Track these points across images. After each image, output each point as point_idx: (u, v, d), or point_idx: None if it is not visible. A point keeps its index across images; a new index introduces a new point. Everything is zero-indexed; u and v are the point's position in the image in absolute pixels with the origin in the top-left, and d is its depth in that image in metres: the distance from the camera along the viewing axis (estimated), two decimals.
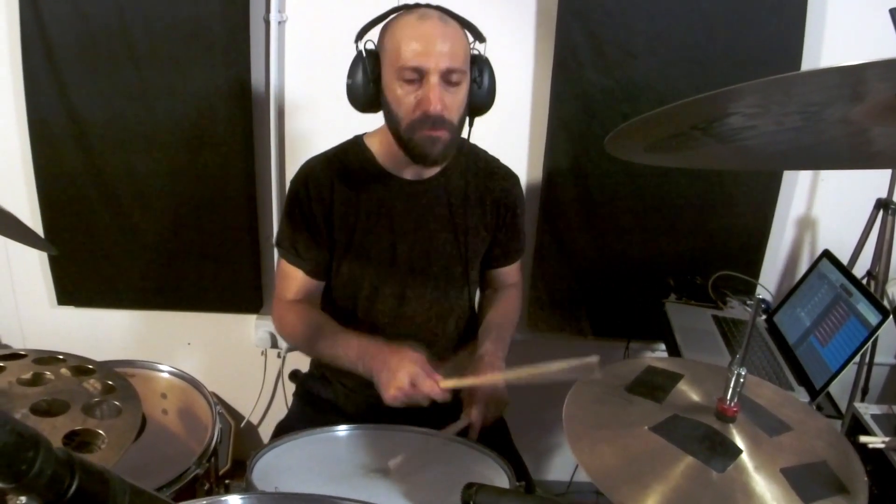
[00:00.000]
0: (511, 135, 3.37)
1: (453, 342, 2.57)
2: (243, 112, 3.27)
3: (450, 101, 2.16)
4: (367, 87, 2.23)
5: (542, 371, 1.98)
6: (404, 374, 2.06)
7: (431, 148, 2.20)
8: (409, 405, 2.09)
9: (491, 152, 2.60)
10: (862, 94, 1.12)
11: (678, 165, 1.84)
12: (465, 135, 2.37)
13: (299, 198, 2.42)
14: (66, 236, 3.44)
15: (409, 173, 2.42)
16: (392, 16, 2.21)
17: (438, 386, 2.07)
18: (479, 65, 2.25)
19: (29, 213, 3.41)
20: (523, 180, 2.64)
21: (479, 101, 2.28)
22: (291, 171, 2.48)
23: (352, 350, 2.27)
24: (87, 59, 3.14)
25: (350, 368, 2.26)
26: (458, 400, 2.26)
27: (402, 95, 2.17)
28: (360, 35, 2.23)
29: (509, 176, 2.58)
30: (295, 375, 2.81)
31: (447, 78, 2.12)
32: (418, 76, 2.12)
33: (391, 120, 2.25)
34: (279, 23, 3.21)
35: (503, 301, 2.66)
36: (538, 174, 3.37)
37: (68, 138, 3.26)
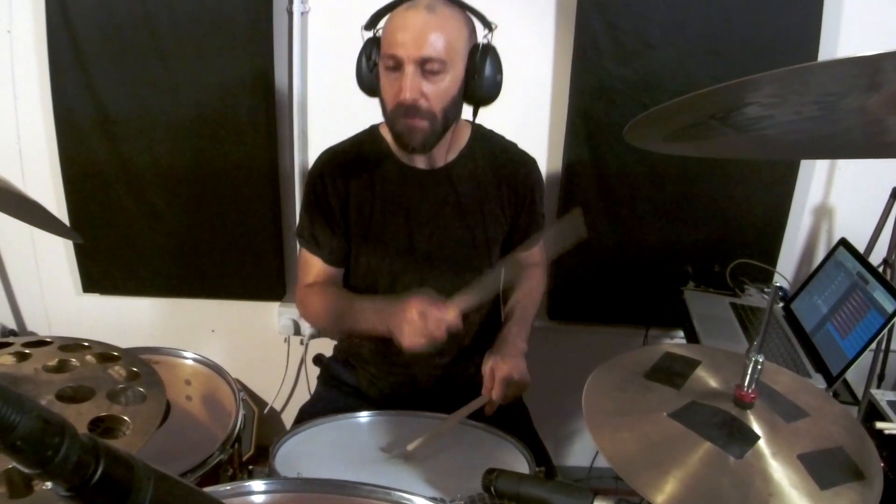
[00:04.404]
0: (531, 125, 3.37)
1: (476, 329, 2.57)
2: (266, 102, 3.29)
3: (429, 91, 2.17)
4: (368, 73, 2.29)
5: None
6: (412, 309, 2.08)
7: (410, 137, 2.24)
8: (430, 345, 2.09)
9: (510, 140, 2.60)
10: (878, 84, 1.13)
11: (696, 155, 1.84)
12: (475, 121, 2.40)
13: (316, 189, 2.45)
14: (92, 225, 3.47)
15: (422, 162, 2.43)
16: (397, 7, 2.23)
17: (448, 311, 2.09)
18: (478, 55, 2.24)
19: (55, 202, 3.45)
20: (543, 170, 2.63)
21: (479, 92, 2.27)
22: (313, 160, 2.50)
23: (368, 312, 2.31)
24: (111, 50, 3.17)
25: (373, 331, 2.29)
26: (477, 380, 2.27)
27: (385, 84, 2.23)
28: (370, 23, 2.27)
29: (525, 160, 2.57)
30: (319, 360, 2.82)
31: (424, 67, 2.14)
32: (397, 65, 2.15)
33: (382, 107, 2.30)
34: (302, 14, 3.22)
35: (527, 281, 2.66)
36: (558, 164, 3.38)
37: (93, 129, 3.29)
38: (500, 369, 2.24)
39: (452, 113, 2.29)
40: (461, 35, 2.21)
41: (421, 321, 2.07)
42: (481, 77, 2.24)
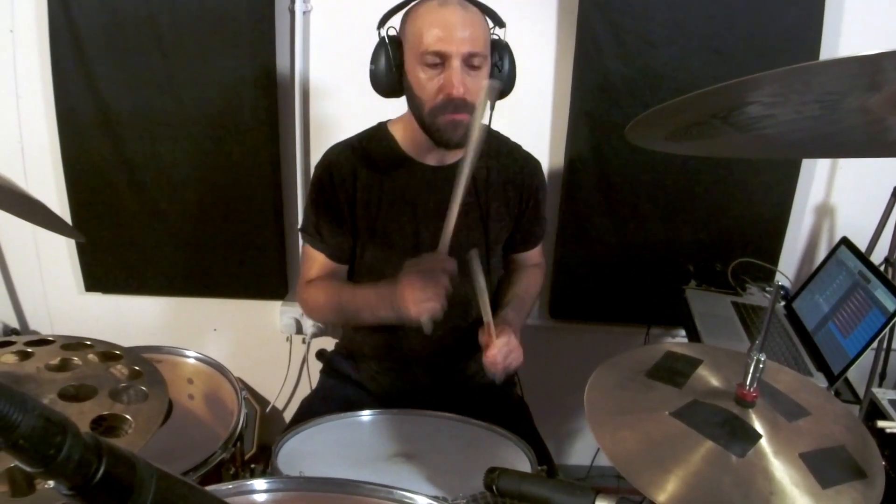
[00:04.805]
0: (533, 123, 3.38)
1: (476, 327, 2.57)
2: (269, 101, 3.29)
3: (472, 85, 2.17)
4: (389, 72, 2.26)
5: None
6: (408, 273, 2.10)
7: (453, 132, 2.23)
8: (437, 307, 2.08)
9: (513, 139, 2.60)
10: (880, 84, 1.13)
11: (698, 154, 1.85)
12: (486, 119, 2.39)
13: (323, 184, 2.44)
14: (94, 224, 3.47)
15: (432, 159, 2.43)
16: (413, 2, 2.23)
17: (438, 257, 2.09)
18: (500, 50, 2.28)
19: (57, 201, 3.45)
20: (545, 168, 2.64)
21: (501, 85, 2.30)
22: (316, 159, 2.49)
23: (371, 298, 2.31)
24: (114, 49, 3.17)
25: (377, 318, 2.29)
26: (478, 379, 2.26)
27: (424, 80, 2.20)
28: (383, 22, 2.26)
29: (531, 162, 2.59)
30: (321, 354, 2.83)
31: (469, 62, 2.15)
32: (441, 61, 2.15)
33: (414, 105, 2.28)
34: (304, 12, 3.23)
35: (524, 277, 2.67)
36: (560, 162, 3.38)
37: (96, 127, 3.29)
38: (501, 328, 2.26)
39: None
40: (487, 30, 2.23)
41: (420, 279, 2.08)
42: (503, 71, 2.29)
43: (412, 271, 2.10)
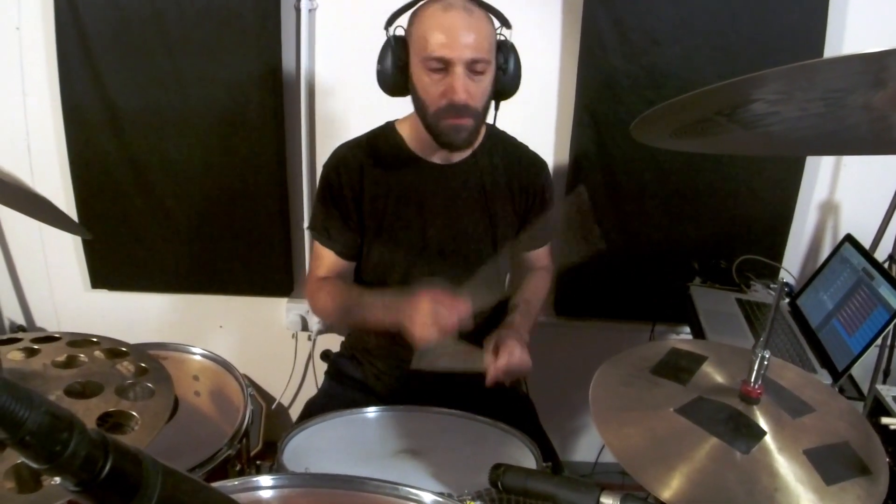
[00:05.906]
0: (538, 121, 3.38)
1: (482, 325, 2.57)
2: (275, 98, 3.29)
3: (475, 90, 2.19)
4: (395, 73, 2.27)
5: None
6: (424, 298, 2.10)
7: (456, 136, 2.25)
8: (441, 335, 2.08)
9: (518, 138, 2.61)
10: (884, 81, 1.13)
11: (703, 151, 1.85)
12: (490, 119, 2.41)
13: (331, 182, 2.45)
14: (100, 221, 3.47)
15: (439, 158, 2.44)
16: (420, 3, 2.23)
17: (459, 302, 2.09)
18: (505, 51, 2.28)
19: (63, 198, 3.45)
20: (550, 165, 2.63)
21: (505, 87, 2.32)
22: (322, 157, 2.51)
23: (377, 308, 2.31)
24: (120, 46, 3.17)
25: (381, 326, 2.29)
26: (482, 374, 2.26)
27: (428, 84, 2.21)
28: (390, 22, 2.27)
29: (537, 162, 2.59)
30: (326, 355, 2.83)
31: (472, 68, 2.15)
32: (443, 66, 2.15)
33: (418, 106, 2.29)
34: (310, 10, 3.22)
35: (532, 280, 2.67)
36: (564, 160, 3.38)
37: (102, 124, 3.29)
38: (505, 342, 2.26)
39: (487, 108, 2.33)
40: (492, 33, 2.24)
41: (432, 310, 2.07)
42: (507, 73, 2.29)
43: (430, 297, 2.10)
